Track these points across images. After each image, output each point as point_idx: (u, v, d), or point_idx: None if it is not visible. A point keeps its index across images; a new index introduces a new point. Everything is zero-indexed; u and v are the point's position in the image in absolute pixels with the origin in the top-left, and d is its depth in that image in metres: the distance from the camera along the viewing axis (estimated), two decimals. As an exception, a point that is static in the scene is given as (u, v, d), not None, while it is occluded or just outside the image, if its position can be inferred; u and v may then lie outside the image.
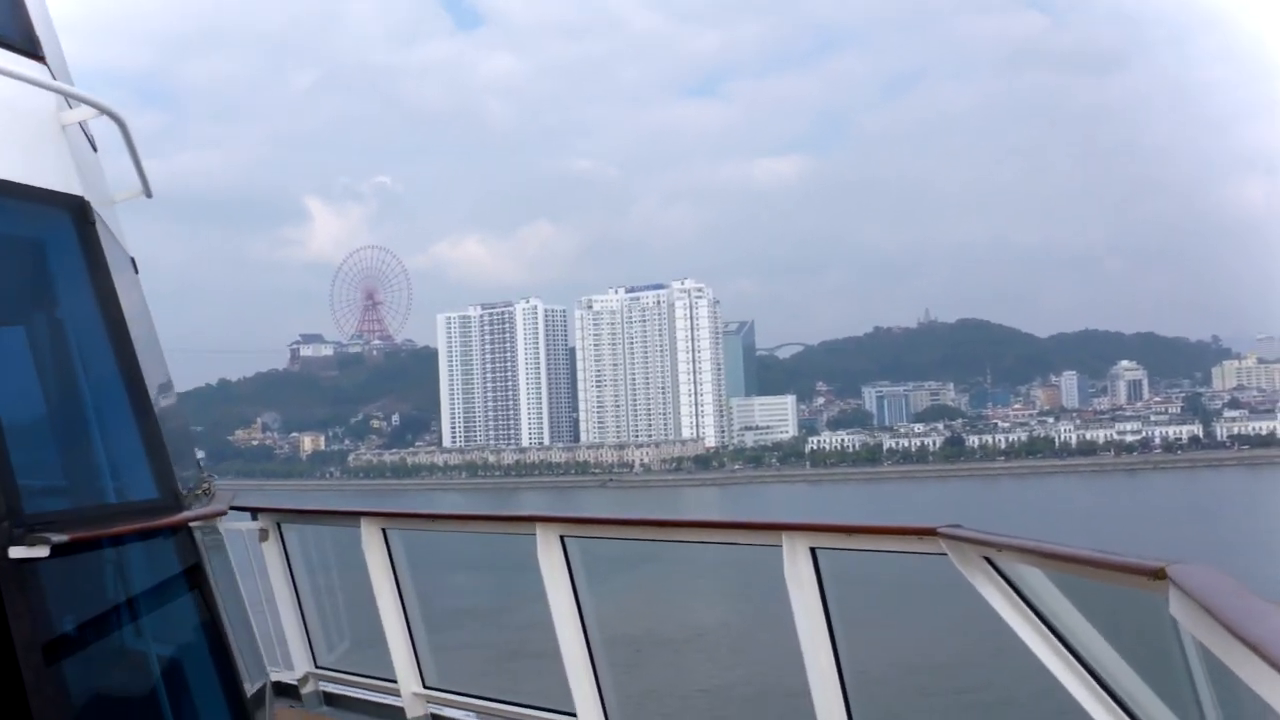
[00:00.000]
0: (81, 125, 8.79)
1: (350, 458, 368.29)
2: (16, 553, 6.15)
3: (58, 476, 7.85)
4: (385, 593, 10.44)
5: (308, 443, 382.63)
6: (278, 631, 11.45)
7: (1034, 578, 6.11)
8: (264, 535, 11.14)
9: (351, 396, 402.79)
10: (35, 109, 7.46)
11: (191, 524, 7.72)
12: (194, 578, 7.86)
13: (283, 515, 11.50)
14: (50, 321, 8.07)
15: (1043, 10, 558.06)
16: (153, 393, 7.83)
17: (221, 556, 9.49)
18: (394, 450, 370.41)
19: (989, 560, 6.31)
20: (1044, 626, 6.12)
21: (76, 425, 7.89)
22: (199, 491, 8.77)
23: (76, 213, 7.59)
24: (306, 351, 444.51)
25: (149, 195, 10.18)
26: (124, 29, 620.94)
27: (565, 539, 9.06)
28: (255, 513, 11.28)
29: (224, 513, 8.74)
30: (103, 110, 8.00)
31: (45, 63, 7.74)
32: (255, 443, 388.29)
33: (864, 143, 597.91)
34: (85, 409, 7.84)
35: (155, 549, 7.80)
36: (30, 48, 7.64)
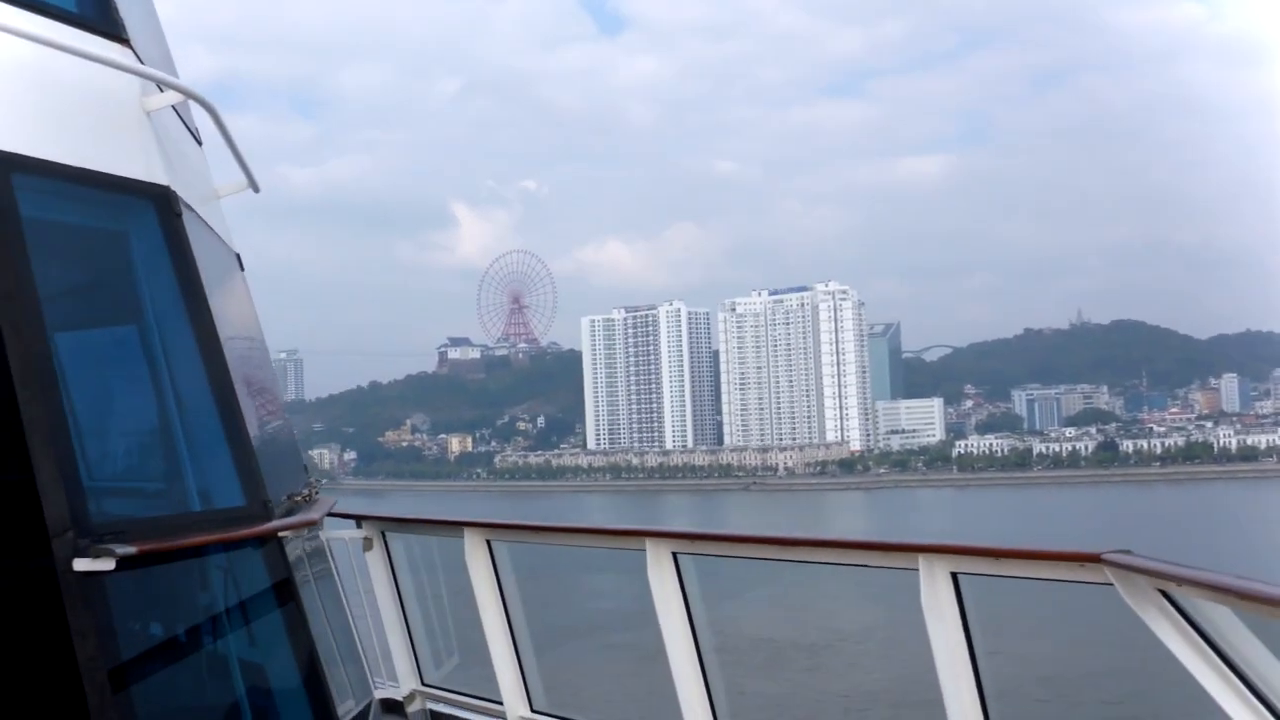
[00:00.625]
0: (183, 118, 8.39)
1: (497, 459, 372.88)
2: (81, 565, 5.75)
3: (133, 483, 7.52)
4: (490, 609, 9.81)
5: (455, 444, 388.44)
6: (383, 646, 11.03)
7: (1223, 618, 5.15)
8: (368, 544, 10.58)
9: (498, 399, 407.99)
10: (117, 93, 7.01)
11: (282, 534, 7.29)
12: (283, 592, 7.39)
13: (387, 524, 10.96)
14: (132, 318, 7.65)
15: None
16: (244, 395, 7.40)
17: (323, 567, 9.24)
18: (539, 452, 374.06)
19: (1166, 595, 5.34)
20: (1238, 680, 5.13)
21: (156, 429, 7.48)
22: (300, 498, 8.35)
23: (160, 203, 7.17)
24: (454, 354, 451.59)
25: (256, 189, 9.77)
26: (279, 39, 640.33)
27: (678, 555, 8.32)
28: (359, 520, 10.74)
29: (315, 521, 8.13)
30: (190, 96, 7.58)
31: (130, 45, 7.29)
32: (405, 444, 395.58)
33: (1011, 141, 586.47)
34: (166, 412, 7.40)
35: (238, 561, 7.37)
36: (111, 29, 7.19)
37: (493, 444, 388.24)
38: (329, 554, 9.55)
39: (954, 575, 6.64)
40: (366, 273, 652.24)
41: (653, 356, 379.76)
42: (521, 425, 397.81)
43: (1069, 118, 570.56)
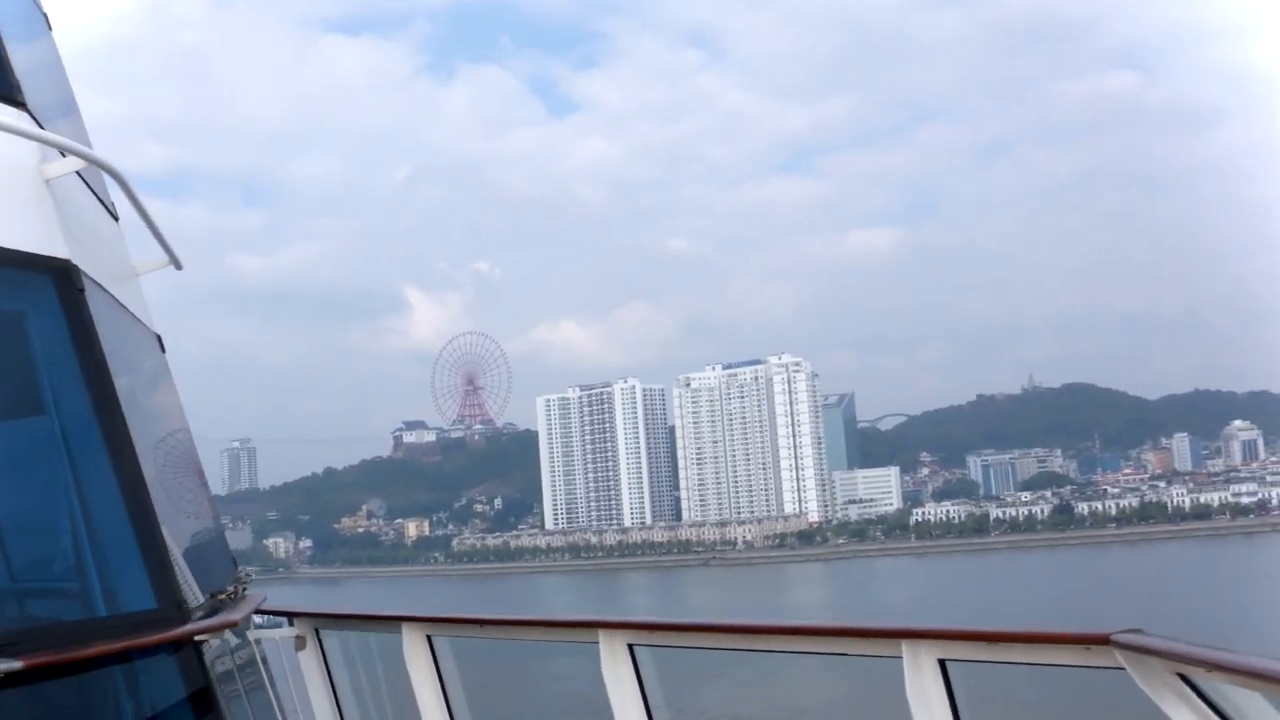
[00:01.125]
0: (94, 190, 7.87)
1: (454, 542, 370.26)
2: None
3: (29, 585, 6.86)
4: (432, 711, 8.85)
5: (412, 528, 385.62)
6: None
7: (1250, 704, 4.62)
8: (301, 644, 9.58)
9: (454, 481, 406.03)
10: (9, 158, 6.47)
11: (199, 637, 6.49)
12: (201, 703, 6.55)
13: (321, 620, 10.00)
14: (30, 407, 7.01)
15: (1135, 68, 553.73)
16: (157, 487, 6.74)
17: (253, 673, 8.35)
18: (497, 534, 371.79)
19: (1185, 679, 4.77)
20: None
21: (55, 527, 6.83)
22: (225, 595, 7.56)
23: (60, 278, 6.57)
24: (410, 438, 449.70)
25: (178, 266, 9.11)
26: (230, 131, 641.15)
27: (634, 647, 7.52)
28: (291, 618, 9.77)
29: (235, 622, 7.17)
30: (95, 163, 7.02)
31: (25, 108, 6.76)
32: (361, 530, 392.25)
33: (958, 212, 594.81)
34: (67, 508, 6.72)
35: (149, 669, 6.59)
36: (5, 90, 6.68)
37: (450, 527, 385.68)
38: (258, 656, 8.54)
39: (942, 663, 5.97)
40: (320, 359, 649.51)
41: (609, 434, 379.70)
42: (479, 507, 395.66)
43: (1014, 189, 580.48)
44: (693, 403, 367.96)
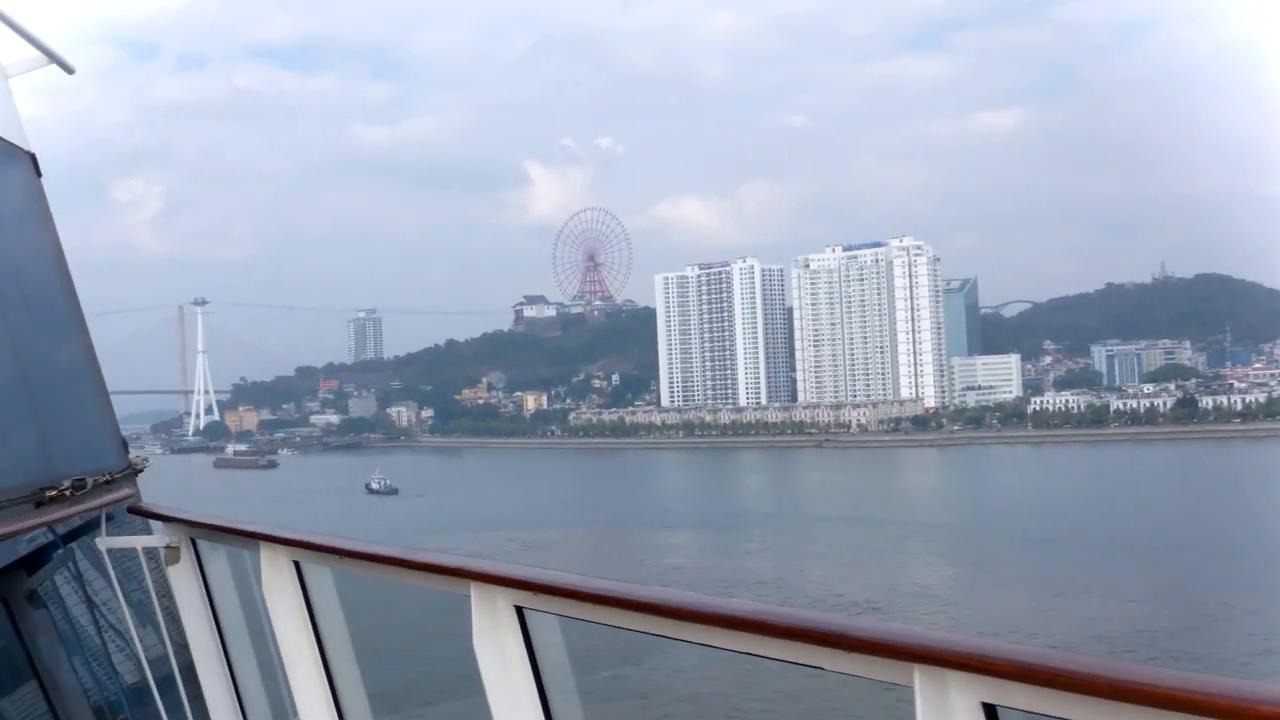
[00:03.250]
0: None
1: (571, 416, 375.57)
2: None
3: None
4: (299, 661, 6.70)
5: (530, 402, 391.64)
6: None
7: None
8: (173, 556, 7.15)
9: (573, 356, 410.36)
10: None
11: None
12: None
13: (199, 530, 7.42)
14: None
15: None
16: None
17: (102, 590, 6.83)
18: (613, 409, 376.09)
19: None
20: None
21: None
22: (65, 489, 6.16)
23: None
24: (530, 312, 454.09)
25: (68, 70, 8.41)
26: (360, 4, 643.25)
27: (524, 611, 5.52)
28: (165, 521, 7.44)
29: (30, 527, 5.72)
30: None
31: None
32: (480, 401, 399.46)
33: (1094, 93, 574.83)
34: None
35: None
36: None
37: (567, 401, 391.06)
38: (108, 570, 6.78)
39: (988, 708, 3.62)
40: (443, 231, 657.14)
41: (726, 313, 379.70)
42: (596, 383, 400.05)
43: (1153, 69, 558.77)
44: (811, 284, 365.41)
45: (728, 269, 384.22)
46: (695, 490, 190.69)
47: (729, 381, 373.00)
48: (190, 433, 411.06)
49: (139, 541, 7.21)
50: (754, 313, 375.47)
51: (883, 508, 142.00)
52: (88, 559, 6.59)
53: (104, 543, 6.67)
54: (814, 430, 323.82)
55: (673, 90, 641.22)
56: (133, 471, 7.90)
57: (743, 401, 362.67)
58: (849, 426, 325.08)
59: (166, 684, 6.70)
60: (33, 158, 6.90)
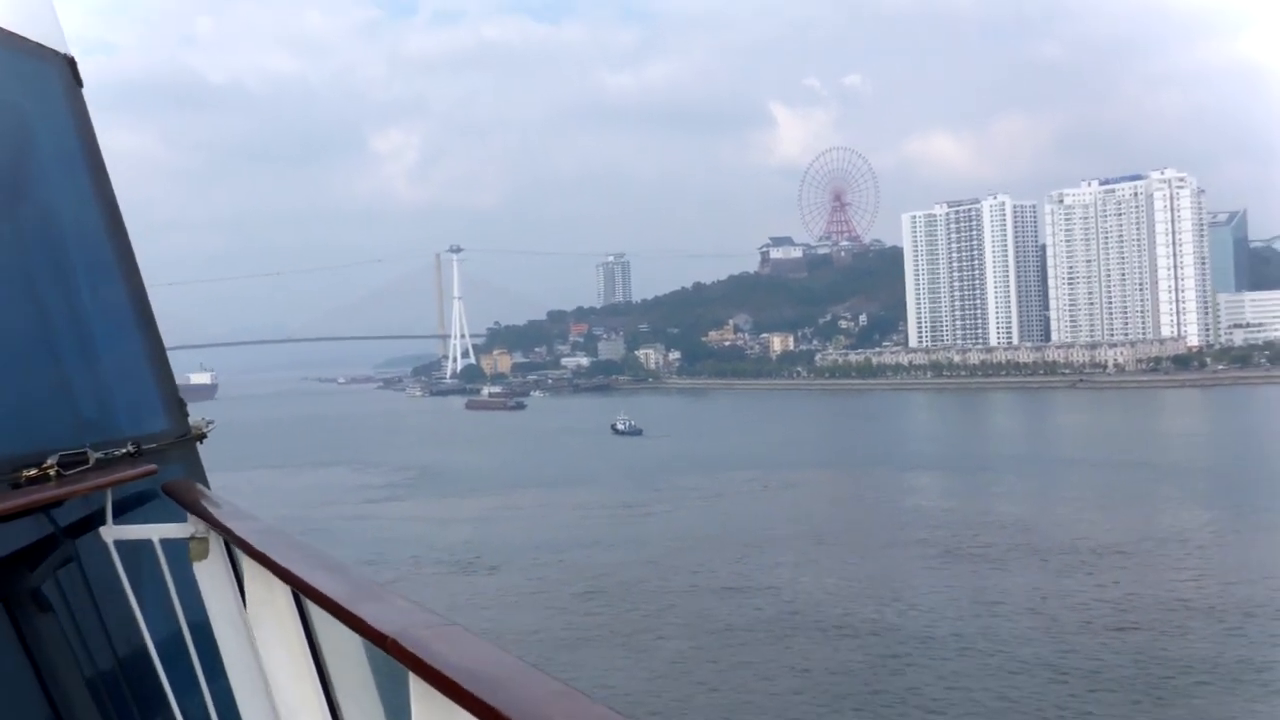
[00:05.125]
0: None
1: (817, 358, 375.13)
2: None
3: None
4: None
5: (777, 343, 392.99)
6: None
7: None
8: (200, 550, 5.56)
9: (819, 297, 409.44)
10: None
11: None
12: None
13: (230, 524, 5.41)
14: None
15: None
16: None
17: (109, 592, 5.49)
18: (860, 350, 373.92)
19: None
20: None
21: None
22: (49, 468, 5.12)
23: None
24: (776, 254, 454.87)
25: None
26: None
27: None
28: (190, 511, 5.70)
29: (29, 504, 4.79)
30: None
31: None
32: (727, 343, 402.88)
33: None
34: None
35: None
36: None
37: (814, 342, 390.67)
38: (115, 566, 5.43)
39: None
40: (688, 175, 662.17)
41: (976, 252, 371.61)
42: (843, 323, 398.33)
43: None
44: (1065, 220, 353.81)
45: (978, 206, 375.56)
46: (942, 432, 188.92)
47: (978, 321, 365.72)
48: (448, 375, 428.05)
49: (156, 532, 5.55)
50: (1005, 250, 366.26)
51: (1139, 451, 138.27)
52: (97, 551, 5.36)
53: (110, 533, 5.39)
54: (1068, 370, 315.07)
55: (921, 24, 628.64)
56: (190, 439, 6.78)
57: (993, 341, 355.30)
58: (1105, 366, 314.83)
59: (189, 695, 5.43)
60: (71, 63, 6.20)
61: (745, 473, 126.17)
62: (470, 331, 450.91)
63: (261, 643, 5.32)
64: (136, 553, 5.53)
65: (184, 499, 5.75)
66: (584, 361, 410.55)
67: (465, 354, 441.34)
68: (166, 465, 6.19)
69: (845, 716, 45.15)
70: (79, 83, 6.22)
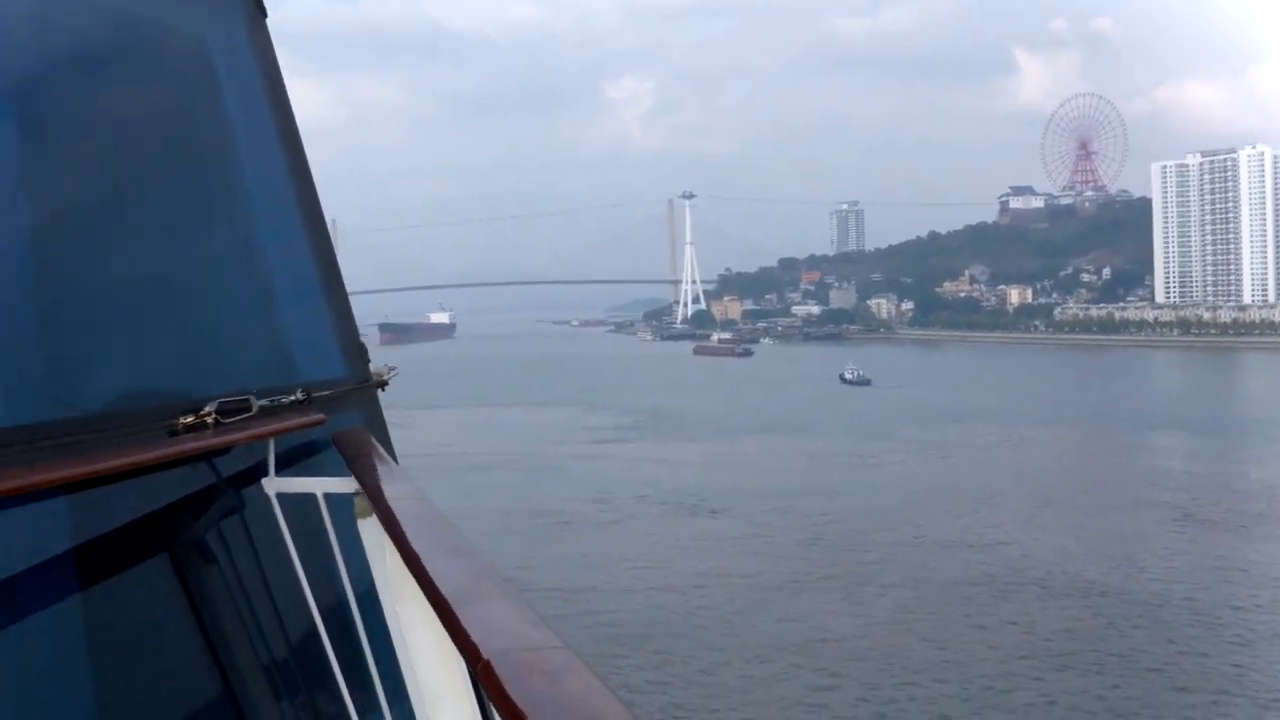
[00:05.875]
0: None
1: (1057, 311, 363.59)
2: None
3: None
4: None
5: (1014, 295, 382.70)
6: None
7: None
8: (364, 507, 5.02)
9: (1061, 249, 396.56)
10: None
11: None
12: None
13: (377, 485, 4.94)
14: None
15: None
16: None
17: (270, 545, 5.18)
18: (1102, 305, 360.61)
19: None
20: None
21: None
22: (208, 415, 4.79)
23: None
24: (1016, 204, 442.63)
25: None
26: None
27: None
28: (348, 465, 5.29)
29: (155, 459, 4.41)
30: None
31: None
32: (962, 295, 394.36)
33: None
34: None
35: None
36: None
37: (1053, 296, 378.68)
38: (279, 522, 5.09)
39: None
40: (925, 122, 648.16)
41: (1231, 204, 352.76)
42: (1085, 277, 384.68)
43: None
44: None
45: (1234, 156, 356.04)
46: (1190, 392, 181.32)
47: (1232, 277, 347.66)
48: (679, 320, 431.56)
49: (320, 485, 5.17)
50: (1263, 202, 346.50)
51: None
52: (260, 503, 5.11)
53: (272, 484, 5.15)
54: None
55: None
56: (370, 387, 6.55)
57: (1247, 299, 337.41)
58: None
59: (353, 662, 5.14)
60: None
61: (978, 426, 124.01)
62: (701, 277, 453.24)
63: (403, 615, 4.72)
64: (301, 506, 5.16)
65: (348, 451, 5.44)
66: (814, 310, 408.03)
67: (696, 300, 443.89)
68: (340, 414, 5.98)
69: (1067, 678, 44.32)
70: (263, 12, 5.95)
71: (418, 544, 3.90)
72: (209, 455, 5.04)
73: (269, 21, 6.31)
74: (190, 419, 4.76)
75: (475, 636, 2.83)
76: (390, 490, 4.70)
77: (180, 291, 5.52)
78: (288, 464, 5.38)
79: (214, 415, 4.83)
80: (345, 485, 5.15)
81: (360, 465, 5.17)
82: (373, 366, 6.64)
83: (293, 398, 5.47)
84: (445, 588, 3.32)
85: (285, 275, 6.45)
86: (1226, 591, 56.54)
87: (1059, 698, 42.07)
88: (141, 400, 4.95)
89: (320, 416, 5.42)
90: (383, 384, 6.63)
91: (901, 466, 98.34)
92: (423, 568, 3.63)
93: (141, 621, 4.91)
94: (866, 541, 68.34)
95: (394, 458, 5.89)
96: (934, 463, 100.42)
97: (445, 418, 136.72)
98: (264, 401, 5.19)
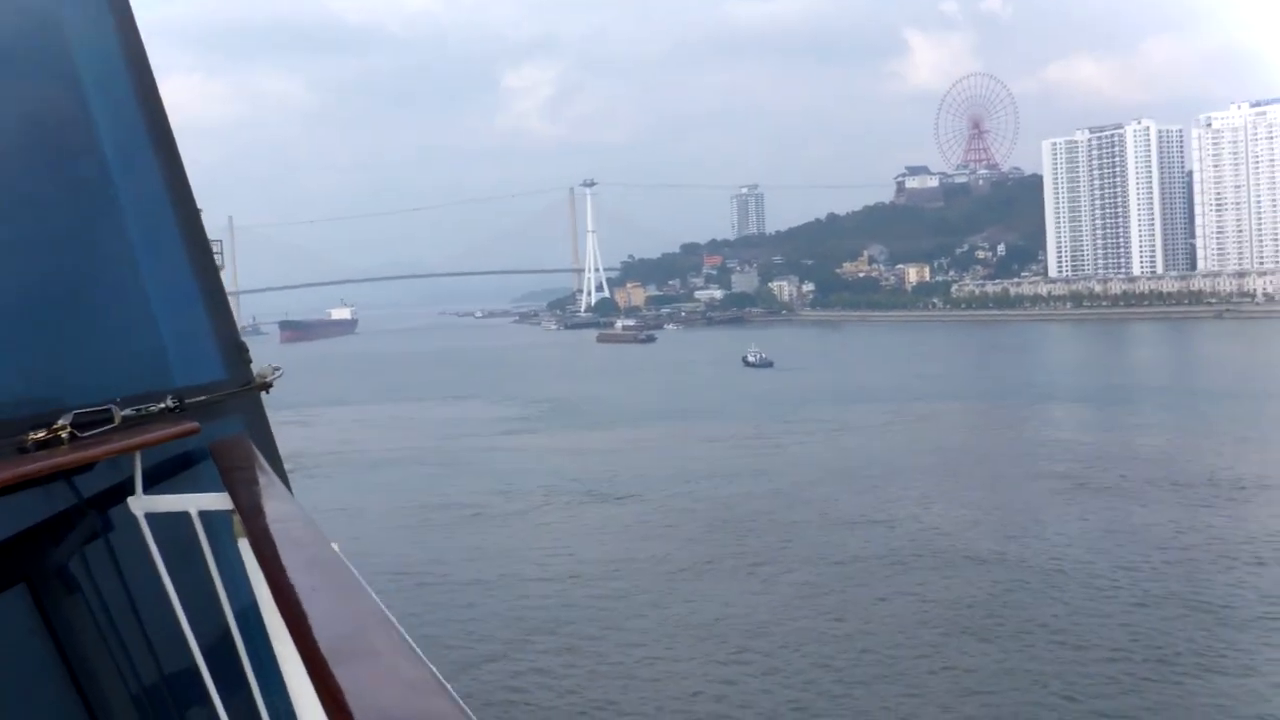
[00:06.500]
0: None
1: (954, 288, 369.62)
2: None
3: None
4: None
5: (912, 274, 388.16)
6: None
7: None
8: (243, 526, 4.35)
9: (956, 227, 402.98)
10: None
11: None
12: None
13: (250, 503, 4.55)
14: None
15: None
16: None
17: (138, 569, 4.67)
18: (997, 281, 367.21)
19: None
20: None
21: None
22: (61, 429, 4.28)
23: None
24: (912, 183, 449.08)
25: None
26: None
27: None
28: (223, 478, 4.88)
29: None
30: None
31: None
32: (861, 275, 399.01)
33: None
34: None
35: None
36: None
37: (950, 273, 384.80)
38: (148, 542, 4.56)
39: None
40: (821, 104, 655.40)
41: (1119, 178, 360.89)
42: (980, 254, 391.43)
43: None
44: (1214, 144, 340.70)
45: (1120, 131, 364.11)
46: (1082, 364, 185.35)
47: (1121, 250, 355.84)
48: (583, 309, 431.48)
49: (193, 503, 4.61)
50: (1149, 176, 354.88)
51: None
52: (128, 525, 4.56)
53: (140, 504, 4.60)
54: (1214, 300, 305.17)
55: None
56: (252, 389, 6.09)
57: (1136, 271, 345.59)
58: (1254, 296, 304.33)
59: (231, 684, 4.62)
60: None
61: (877, 405, 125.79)
62: (604, 265, 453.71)
63: (281, 657, 4.05)
64: (175, 525, 4.62)
65: (225, 463, 4.94)
66: (717, 294, 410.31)
67: (599, 288, 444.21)
68: (220, 420, 5.59)
69: (966, 644, 45.44)
70: None
71: (295, 577, 3.35)
72: (67, 474, 4.49)
73: (145, 15, 5.95)
74: (41, 434, 4.25)
75: (351, 703, 2.31)
76: (269, 509, 4.16)
77: (31, 295, 4.96)
78: (160, 479, 4.95)
79: (68, 429, 4.30)
80: (222, 501, 4.62)
81: (236, 479, 4.65)
82: (257, 367, 6.35)
83: (163, 405, 5.02)
84: (323, 636, 2.72)
85: (155, 275, 5.88)
86: (1119, 556, 58.19)
87: (959, 663, 43.13)
88: None
89: (193, 425, 4.87)
90: (267, 386, 6.28)
91: (803, 447, 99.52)
92: (298, 611, 3.05)
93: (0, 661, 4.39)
94: (770, 522, 69.20)
95: (280, 464, 5.68)
96: (835, 442, 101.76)
97: (348, 414, 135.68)
98: (129, 411, 4.69)
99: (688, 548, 63.35)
